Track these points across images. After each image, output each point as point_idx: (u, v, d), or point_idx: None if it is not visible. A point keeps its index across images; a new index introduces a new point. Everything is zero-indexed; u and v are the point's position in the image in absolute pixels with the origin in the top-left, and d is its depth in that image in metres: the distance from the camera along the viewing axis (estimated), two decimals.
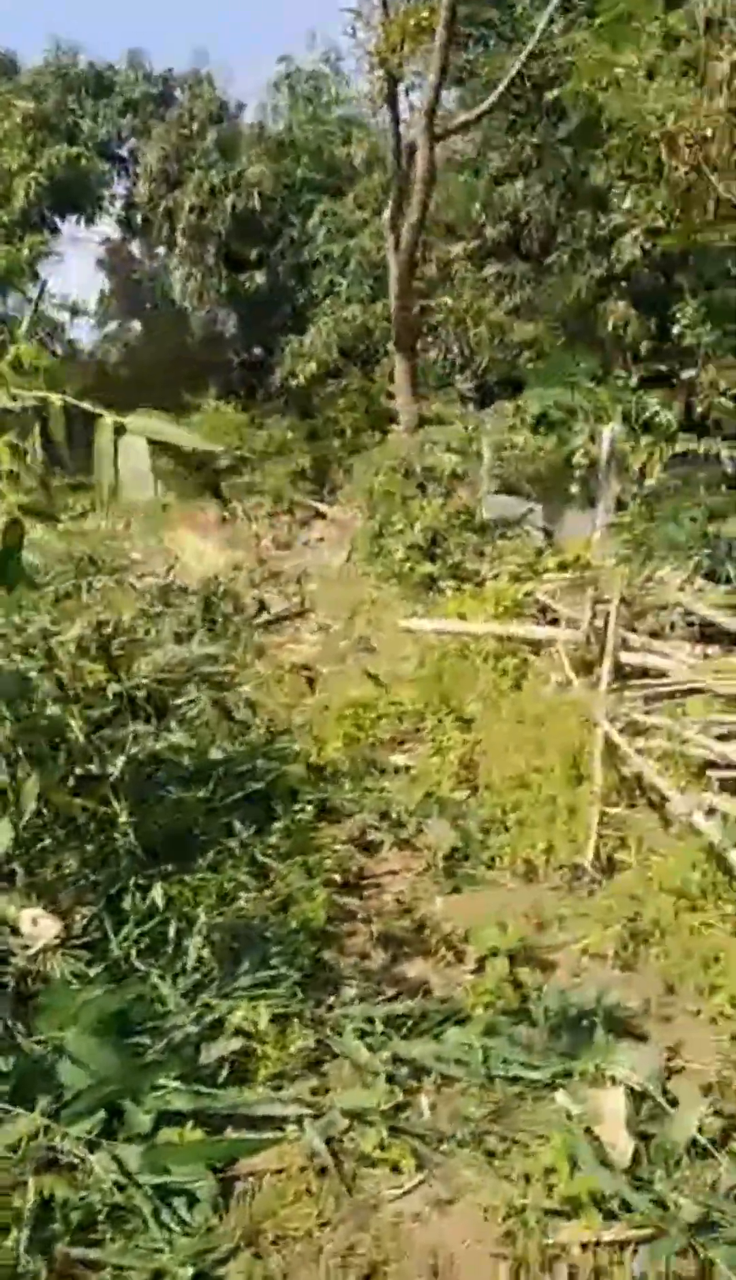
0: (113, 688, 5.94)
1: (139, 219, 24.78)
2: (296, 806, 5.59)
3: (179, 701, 6.78)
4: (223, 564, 12.23)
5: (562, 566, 10.38)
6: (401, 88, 16.47)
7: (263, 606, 11.14)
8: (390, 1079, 3.81)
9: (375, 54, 15.89)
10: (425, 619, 9.55)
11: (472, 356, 18.83)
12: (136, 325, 29.17)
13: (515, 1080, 3.87)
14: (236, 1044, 3.80)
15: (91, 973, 4.25)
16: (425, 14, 15.25)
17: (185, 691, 6.92)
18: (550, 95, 16.61)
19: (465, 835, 5.70)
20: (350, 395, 19.87)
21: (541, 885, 5.39)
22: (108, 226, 26.74)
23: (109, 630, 7.82)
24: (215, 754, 5.99)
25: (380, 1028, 4.06)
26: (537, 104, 17.75)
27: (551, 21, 15.75)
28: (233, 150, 23.03)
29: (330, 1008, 4.19)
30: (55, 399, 2.55)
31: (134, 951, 4.41)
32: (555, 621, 8.71)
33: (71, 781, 5.03)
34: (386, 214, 16.57)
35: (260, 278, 22.36)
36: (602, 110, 14.42)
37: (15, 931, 4.33)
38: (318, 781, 6.31)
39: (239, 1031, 3.86)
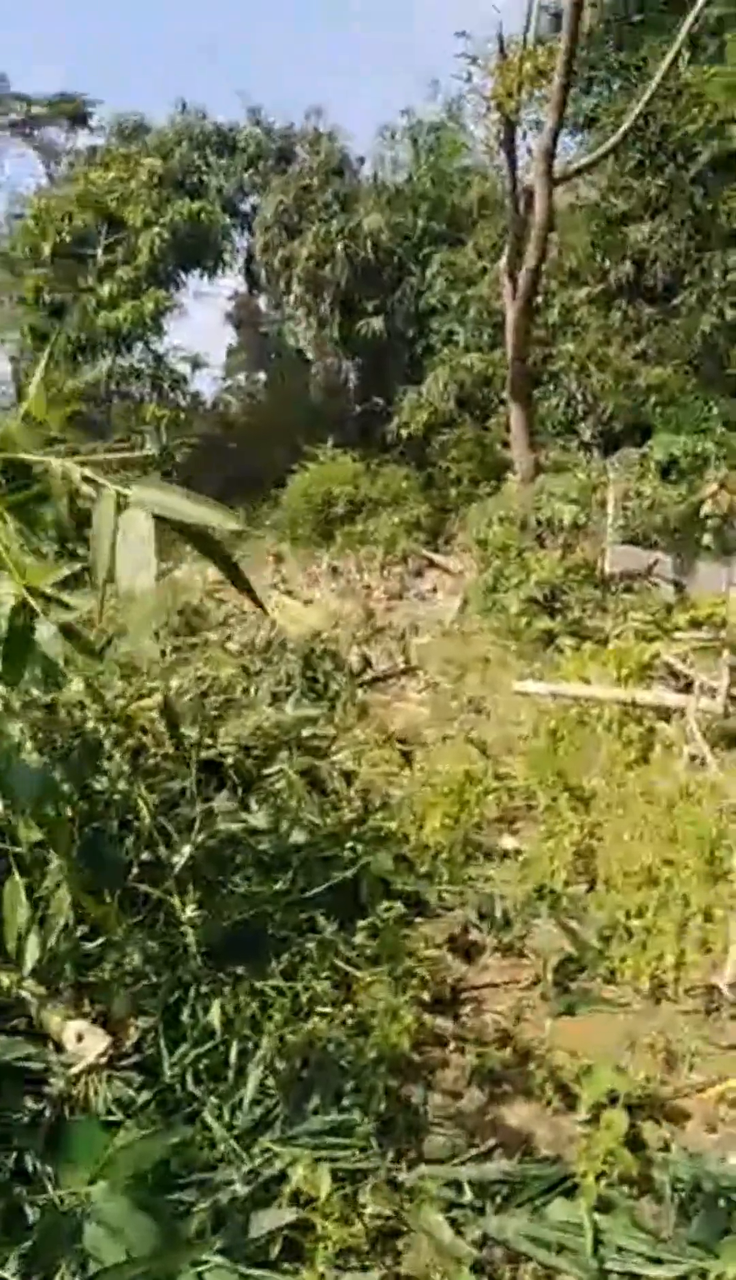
0: (197, 754, 5.49)
1: (262, 272, 25.13)
2: (385, 904, 4.92)
3: (268, 771, 6.28)
4: (318, 619, 11.75)
5: (695, 624, 9.48)
6: (519, 132, 16.12)
7: (367, 663, 10.58)
8: (478, 1267, 3.12)
9: (492, 98, 15.58)
10: (541, 681, 8.79)
11: (596, 403, 18.15)
12: (261, 376, 29.64)
13: (634, 1278, 3.13)
14: (292, 1215, 3.17)
15: (139, 1098, 3.72)
16: (542, 57, 14.89)
17: (276, 758, 6.42)
18: (676, 135, 15.97)
19: (580, 942, 4.94)
20: (465, 444, 19.43)
21: (671, 1009, 4.58)
22: (234, 280, 27.35)
23: (203, 689, 7.43)
24: (298, 836, 5.39)
25: (469, 1195, 3.37)
26: (664, 144, 17.14)
27: (676, 58, 15.15)
28: (351, 202, 23.14)
29: (410, 1164, 3.51)
30: (55, 464, 2.07)
31: (189, 1075, 3.84)
32: (688, 687, 7.85)
33: (134, 869, 4.55)
34: (502, 260, 16.15)
35: (377, 324, 22.23)
36: (732, 143, 13.71)
37: (59, 1048, 3.83)
38: (412, 870, 5.65)
39: (296, 1196, 3.23)
